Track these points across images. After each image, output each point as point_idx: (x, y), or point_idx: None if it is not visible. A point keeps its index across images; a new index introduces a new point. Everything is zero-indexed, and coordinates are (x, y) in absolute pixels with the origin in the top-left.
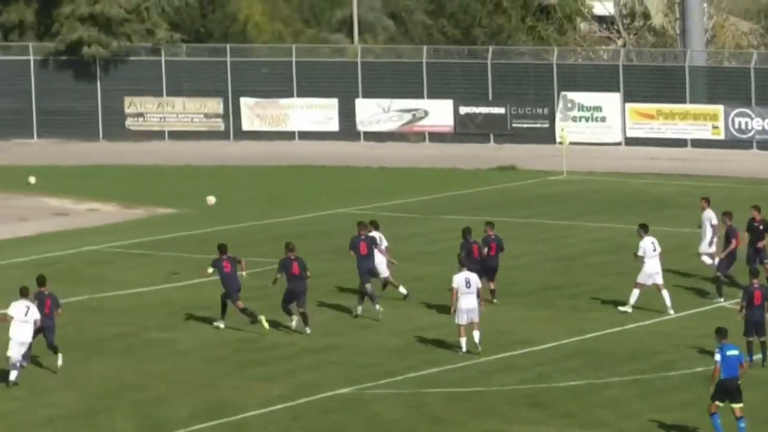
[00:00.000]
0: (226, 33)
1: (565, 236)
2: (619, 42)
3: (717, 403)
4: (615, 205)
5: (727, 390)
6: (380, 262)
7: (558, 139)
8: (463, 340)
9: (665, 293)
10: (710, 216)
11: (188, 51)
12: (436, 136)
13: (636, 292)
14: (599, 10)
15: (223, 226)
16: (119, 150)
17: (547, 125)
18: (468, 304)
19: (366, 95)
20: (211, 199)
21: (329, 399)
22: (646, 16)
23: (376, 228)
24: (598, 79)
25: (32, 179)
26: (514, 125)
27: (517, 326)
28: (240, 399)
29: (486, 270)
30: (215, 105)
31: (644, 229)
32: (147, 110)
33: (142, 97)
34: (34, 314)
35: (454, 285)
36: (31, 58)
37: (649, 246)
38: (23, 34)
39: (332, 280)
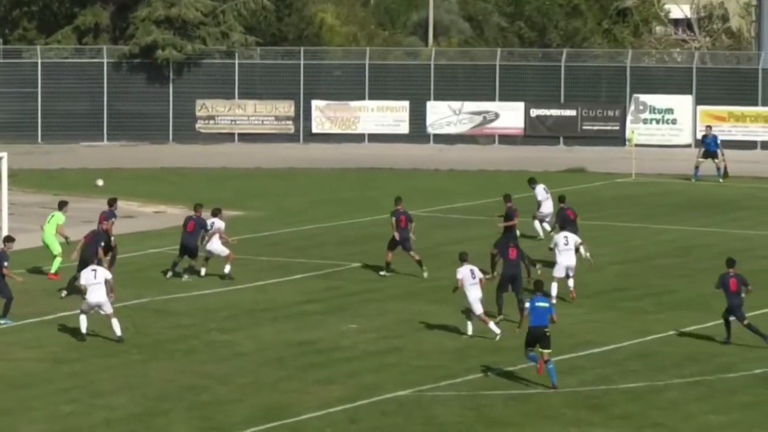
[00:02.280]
0: (300, 36)
1: (632, 238)
2: (695, 44)
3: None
4: (683, 208)
5: (535, 336)
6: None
7: (627, 142)
8: (470, 324)
9: (571, 282)
10: None
11: (262, 54)
12: (506, 139)
13: (554, 285)
14: (676, 13)
15: (291, 228)
16: (189, 153)
17: (617, 127)
18: (476, 294)
19: (437, 98)
20: (100, 182)
21: (388, 401)
22: (724, 18)
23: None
24: (671, 81)
25: (100, 182)
26: (584, 127)
27: (580, 328)
28: (298, 401)
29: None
30: (287, 107)
31: (561, 226)
32: (218, 113)
33: (214, 99)
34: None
35: (459, 277)
36: (105, 60)
37: (561, 240)
38: (98, 37)
39: (395, 282)
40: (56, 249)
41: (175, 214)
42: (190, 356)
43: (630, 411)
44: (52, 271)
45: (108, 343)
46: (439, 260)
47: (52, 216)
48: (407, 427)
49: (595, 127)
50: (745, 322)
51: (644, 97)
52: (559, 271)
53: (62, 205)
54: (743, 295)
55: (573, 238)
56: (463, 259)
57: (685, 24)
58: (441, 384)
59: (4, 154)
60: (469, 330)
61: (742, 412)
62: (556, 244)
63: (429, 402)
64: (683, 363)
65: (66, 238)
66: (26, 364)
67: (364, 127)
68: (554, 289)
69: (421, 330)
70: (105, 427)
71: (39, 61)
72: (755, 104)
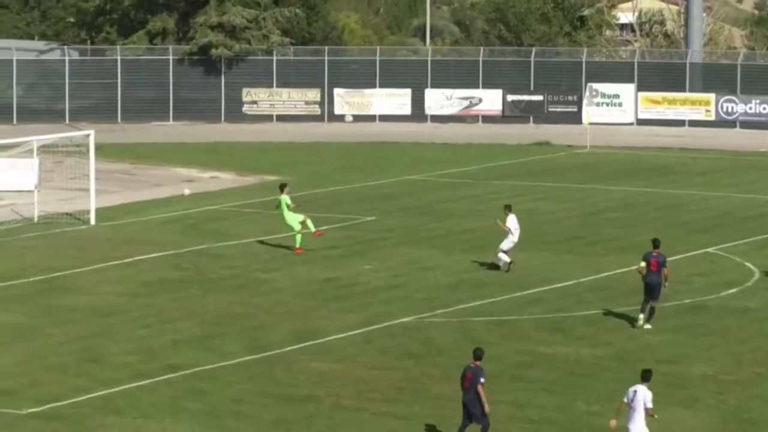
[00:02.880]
0: (326, 37)
1: (587, 197)
2: (637, 44)
3: None
4: (627, 173)
5: None
6: None
7: (583, 121)
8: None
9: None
10: None
11: (295, 52)
12: (488, 119)
13: (502, 255)
14: (623, 19)
15: (317, 190)
16: (237, 130)
17: (575, 109)
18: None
19: (434, 86)
20: (187, 191)
21: (395, 326)
22: (661, 23)
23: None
24: (618, 73)
25: (187, 191)
26: (549, 109)
27: (545, 268)
28: (324, 326)
29: None
30: (314, 94)
31: (509, 208)
32: (260, 99)
33: (257, 88)
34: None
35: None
36: (170, 57)
37: (514, 222)
38: (165, 39)
39: (402, 232)
40: (296, 226)
41: (227, 179)
42: (240, 291)
43: (586, 333)
44: (297, 245)
45: (174, 280)
46: (435, 215)
47: (280, 200)
48: (410, 346)
49: (558, 109)
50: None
51: (596, 86)
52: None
53: (283, 188)
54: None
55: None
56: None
57: (630, 28)
58: (437, 312)
59: (92, 132)
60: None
61: (674, 334)
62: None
63: (427, 326)
64: (628, 295)
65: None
66: (110, 297)
67: (376, 109)
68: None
69: (422, 270)
70: (172, 347)
71: (119, 58)
72: (684, 91)
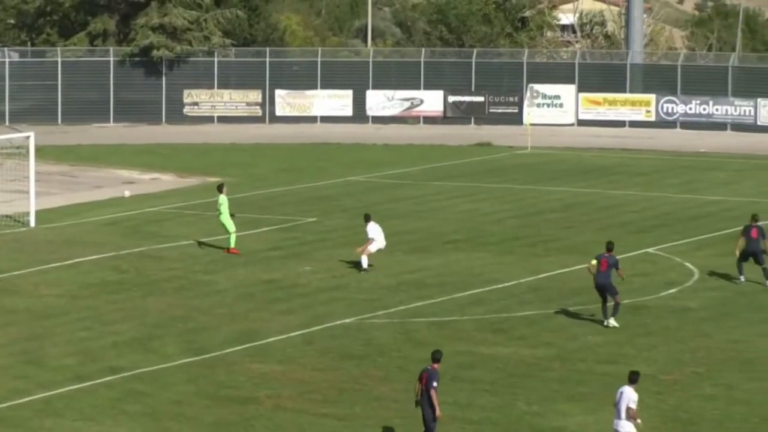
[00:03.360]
0: (267, 39)
1: (528, 198)
2: (578, 45)
3: None
4: (568, 173)
5: None
6: None
7: (524, 121)
8: None
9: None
10: None
11: (236, 53)
12: (429, 119)
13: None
14: (564, 20)
15: (258, 191)
16: (178, 132)
17: (516, 110)
18: None
19: (375, 87)
20: (127, 193)
21: (336, 327)
22: (602, 24)
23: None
24: (559, 74)
25: (127, 193)
26: (491, 110)
27: (486, 269)
28: (265, 328)
29: None
30: (255, 95)
31: (367, 218)
32: (201, 100)
33: (198, 89)
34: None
35: None
36: (111, 59)
37: (373, 229)
38: (106, 40)
39: (343, 233)
40: (231, 227)
41: (168, 181)
42: (180, 293)
43: (526, 333)
44: (232, 246)
45: (114, 282)
46: (376, 216)
47: (220, 203)
48: (352, 347)
49: (499, 110)
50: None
51: (537, 86)
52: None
53: (221, 188)
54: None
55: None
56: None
57: (571, 29)
58: (378, 313)
59: (32, 134)
60: None
61: (614, 334)
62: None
63: (368, 327)
64: (568, 295)
65: (232, 214)
66: (49, 300)
67: (317, 110)
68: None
69: (362, 271)
70: (113, 349)
71: (59, 59)
72: (624, 91)
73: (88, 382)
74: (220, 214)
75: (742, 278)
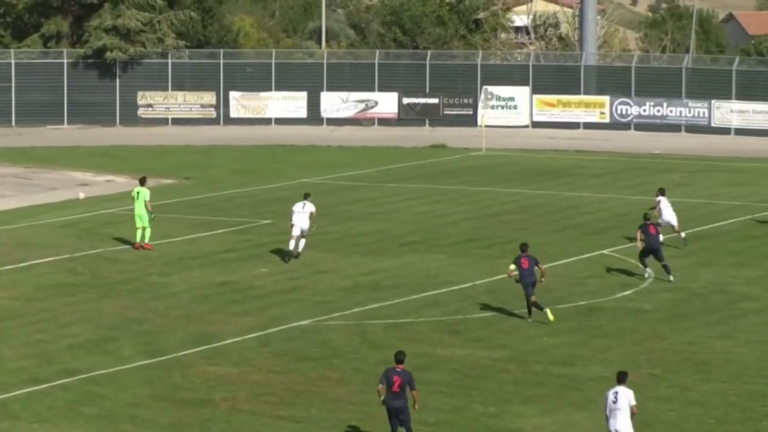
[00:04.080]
0: (221, 40)
1: (483, 199)
2: (532, 47)
3: None
4: (523, 175)
5: None
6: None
7: (479, 123)
8: None
9: (302, 242)
10: None
11: (190, 55)
12: (384, 121)
13: (291, 242)
14: (518, 22)
15: (214, 193)
16: (132, 134)
17: (471, 112)
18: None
19: (329, 89)
20: (81, 195)
21: (292, 329)
22: (556, 26)
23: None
24: (513, 75)
25: (81, 195)
26: (445, 112)
27: (443, 270)
28: (221, 330)
29: None
30: (209, 97)
31: (304, 196)
32: (155, 102)
33: (152, 91)
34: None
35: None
36: (65, 61)
37: (299, 205)
38: (59, 42)
39: None
40: (146, 221)
41: (122, 182)
42: (135, 295)
43: (482, 335)
44: (146, 241)
45: (69, 284)
46: (331, 218)
47: (138, 192)
48: (308, 349)
49: (454, 112)
50: (532, 299)
51: (492, 88)
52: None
53: (144, 181)
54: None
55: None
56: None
57: (525, 31)
58: (333, 315)
59: None
60: None
61: (569, 335)
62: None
63: (324, 329)
64: (524, 297)
65: (151, 213)
66: (4, 302)
67: (272, 112)
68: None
69: (318, 273)
70: (68, 351)
71: (12, 61)
72: (579, 93)
73: (44, 384)
74: (139, 206)
75: (648, 271)
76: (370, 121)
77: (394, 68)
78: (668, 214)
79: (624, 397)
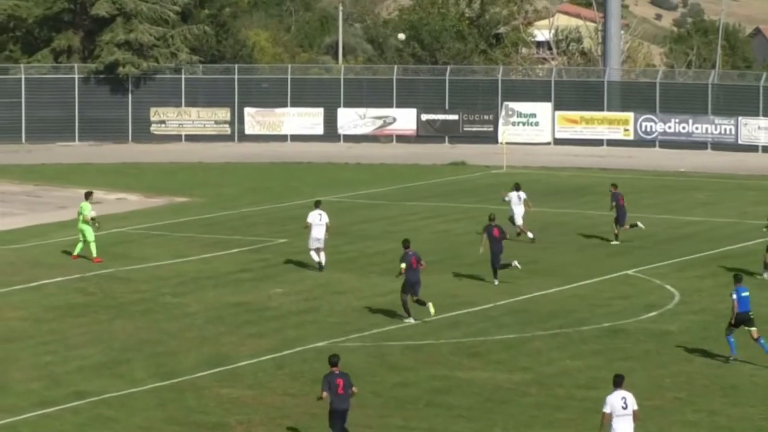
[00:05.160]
0: (236, 55)
1: (504, 218)
2: (554, 62)
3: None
4: (545, 193)
5: (741, 320)
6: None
7: (499, 140)
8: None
9: (322, 255)
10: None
11: (204, 70)
12: (402, 138)
13: (312, 253)
14: (539, 37)
15: (227, 212)
16: (144, 150)
17: (491, 129)
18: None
19: (346, 105)
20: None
21: (308, 351)
22: (578, 40)
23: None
24: (534, 91)
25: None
26: (465, 129)
27: (462, 291)
28: (235, 351)
29: None
30: (224, 113)
31: (316, 204)
32: (168, 118)
33: (165, 107)
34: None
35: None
36: (76, 76)
37: (315, 217)
38: (70, 57)
39: None
40: (90, 236)
41: (134, 201)
42: (148, 316)
43: (503, 357)
44: (95, 255)
45: (80, 304)
46: (347, 237)
47: (82, 207)
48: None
49: (474, 129)
50: (415, 298)
51: (513, 104)
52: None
53: (88, 195)
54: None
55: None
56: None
57: (546, 46)
58: (351, 336)
59: None
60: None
61: (593, 358)
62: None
63: (341, 351)
64: (546, 318)
65: (96, 223)
66: (13, 323)
67: (287, 129)
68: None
69: (334, 293)
70: (78, 373)
71: (23, 76)
72: (602, 110)
73: (53, 407)
74: (80, 220)
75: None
76: (388, 138)
77: (413, 84)
78: (518, 209)
79: (632, 402)
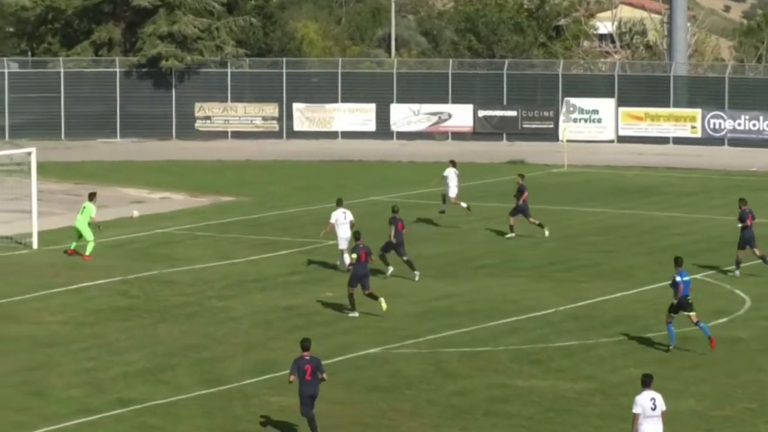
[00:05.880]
0: (283, 48)
1: (565, 219)
2: (617, 56)
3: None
4: (608, 193)
5: (681, 305)
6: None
7: (560, 138)
8: None
9: (346, 256)
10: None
11: (250, 63)
12: (458, 135)
13: (345, 256)
14: (601, 29)
15: (275, 212)
16: (189, 147)
17: (551, 126)
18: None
19: (399, 101)
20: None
21: (361, 357)
22: (642, 33)
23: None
24: (597, 86)
25: (135, 213)
26: (524, 126)
27: (522, 296)
28: (284, 358)
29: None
30: (272, 109)
31: (338, 203)
32: (213, 114)
33: (210, 102)
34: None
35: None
36: (117, 70)
37: (340, 215)
38: (111, 50)
39: None
40: (89, 236)
41: (179, 200)
42: (192, 320)
43: (565, 365)
44: (87, 253)
45: (122, 308)
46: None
47: (84, 207)
48: (378, 379)
49: (533, 126)
50: (367, 292)
51: (574, 100)
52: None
53: (92, 196)
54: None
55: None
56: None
57: (609, 38)
58: (406, 343)
59: (33, 149)
60: None
61: (659, 367)
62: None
63: (395, 358)
64: (610, 324)
65: (98, 225)
66: (53, 327)
67: (338, 125)
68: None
69: (388, 297)
70: (122, 380)
71: (62, 70)
72: (668, 106)
73: (95, 415)
74: (81, 220)
75: (390, 269)
76: (443, 135)
77: (469, 78)
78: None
79: (661, 403)
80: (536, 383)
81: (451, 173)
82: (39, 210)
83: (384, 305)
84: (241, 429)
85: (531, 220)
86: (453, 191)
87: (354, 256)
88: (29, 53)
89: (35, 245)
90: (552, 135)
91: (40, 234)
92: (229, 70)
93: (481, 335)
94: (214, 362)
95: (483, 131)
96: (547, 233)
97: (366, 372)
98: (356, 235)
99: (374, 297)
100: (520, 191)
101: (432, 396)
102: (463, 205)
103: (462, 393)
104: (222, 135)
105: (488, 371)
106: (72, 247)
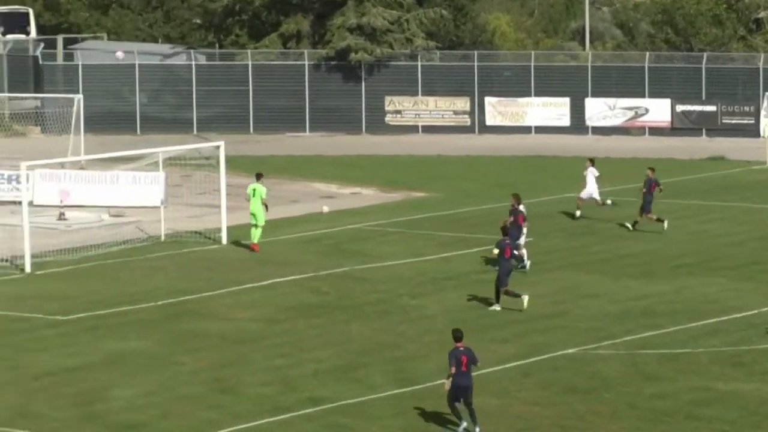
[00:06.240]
0: (475, 41)
1: (767, 218)
2: None
3: None
4: None
5: None
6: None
7: (762, 133)
8: None
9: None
10: None
11: (441, 57)
12: (655, 131)
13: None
14: None
15: (468, 208)
16: (379, 142)
17: (752, 121)
18: None
19: (594, 95)
20: (325, 209)
21: (558, 358)
22: None
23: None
24: None
25: (325, 209)
26: (724, 121)
27: (723, 296)
28: (479, 357)
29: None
30: (463, 103)
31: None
32: (404, 108)
33: (400, 96)
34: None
35: None
36: (306, 63)
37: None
38: (299, 42)
39: (561, 255)
40: (261, 219)
41: (369, 195)
42: (385, 318)
43: None
44: (255, 241)
45: (313, 305)
46: (597, 236)
47: (255, 189)
48: (575, 380)
49: (733, 121)
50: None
51: None
52: None
53: (260, 176)
54: None
55: None
56: None
57: None
58: (603, 344)
59: (222, 143)
60: None
61: None
62: None
63: (593, 359)
64: None
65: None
66: (244, 324)
67: (531, 120)
68: None
69: (584, 297)
70: (313, 378)
71: (250, 63)
72: None
73: (286, 413)
74: (256, 203)
75: None
76: (640, 131)
77: (666, 72)
78: (591, 185)
79: None
80: (739, 386)
81: (590, 173)
82: (228, 205)
83: (525, 303)
84: (433, 430)
85: (649, 216)
86: (591, 193)
87: (496, 251)
88: (217, 45)
89: (224, 240)
90: (753, 131)
91: (229, 229)
92: (419, 63)
93: (681, 337)
94: (406, 361)
95: (681, 126)
96: (666, 226)
97: (563, 373)
98: (504, 231)
99: (516, 295)
100: (650, 183)
101: (631, 399)
102: (609, 202)
103: (662, 396)
104: (413, 129)
105: (688, 373)
106: (254, 241)
